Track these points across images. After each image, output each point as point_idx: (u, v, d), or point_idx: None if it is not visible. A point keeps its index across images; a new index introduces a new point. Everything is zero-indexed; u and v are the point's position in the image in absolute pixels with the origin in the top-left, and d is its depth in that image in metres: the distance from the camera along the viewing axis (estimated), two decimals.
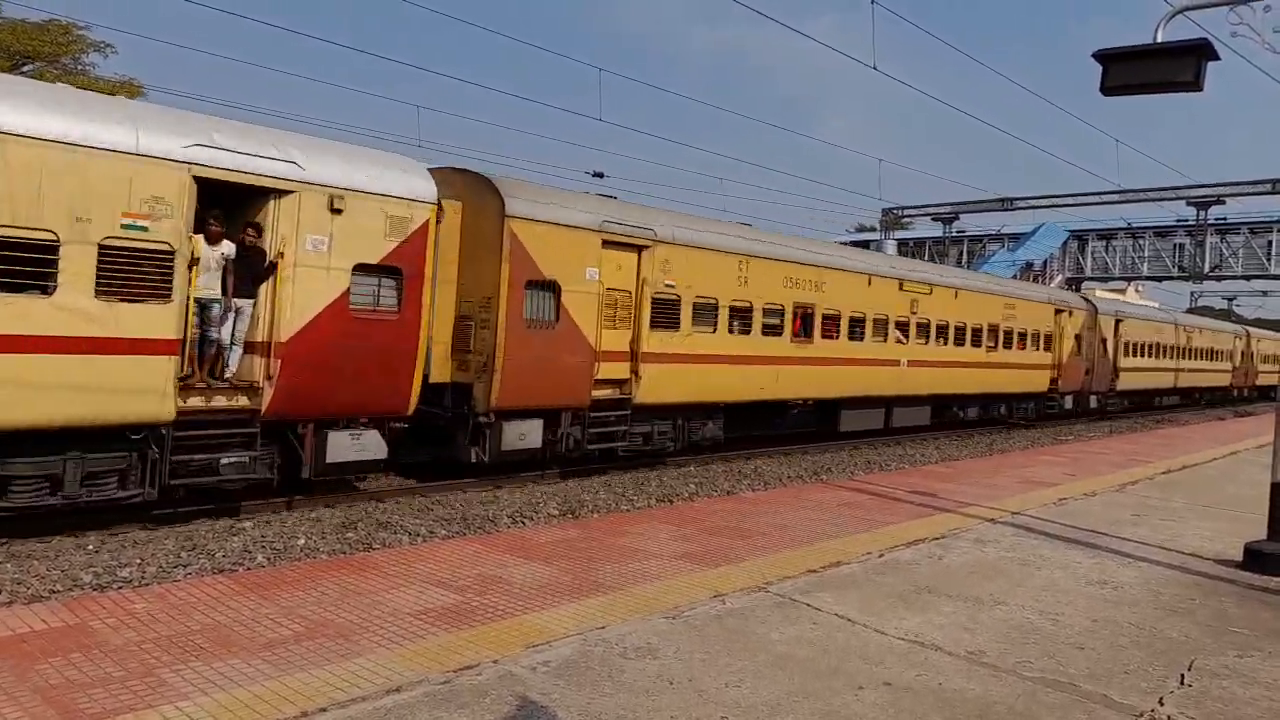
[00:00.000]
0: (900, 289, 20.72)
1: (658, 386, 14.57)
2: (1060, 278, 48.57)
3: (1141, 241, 48.84)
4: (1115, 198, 37.03)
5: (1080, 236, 50.27)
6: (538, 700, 4.43)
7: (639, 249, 14.20)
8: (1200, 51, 7.55)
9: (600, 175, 32.74)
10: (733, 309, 15.94)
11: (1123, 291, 52.00)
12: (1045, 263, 48.45)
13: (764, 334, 16.64)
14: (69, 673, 4.53)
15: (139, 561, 8.27)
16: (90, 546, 8.76)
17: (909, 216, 45.91)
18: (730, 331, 15.94)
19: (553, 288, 12.90)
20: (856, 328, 19.23)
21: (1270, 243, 44.25)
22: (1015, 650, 5.52)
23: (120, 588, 7.34)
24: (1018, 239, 49.07)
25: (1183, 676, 5.21)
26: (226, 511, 10.31)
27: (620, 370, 14.14)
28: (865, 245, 49.00)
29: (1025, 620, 6.17)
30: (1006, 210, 42.27)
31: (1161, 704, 4.78)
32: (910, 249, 52.84)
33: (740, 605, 6.20)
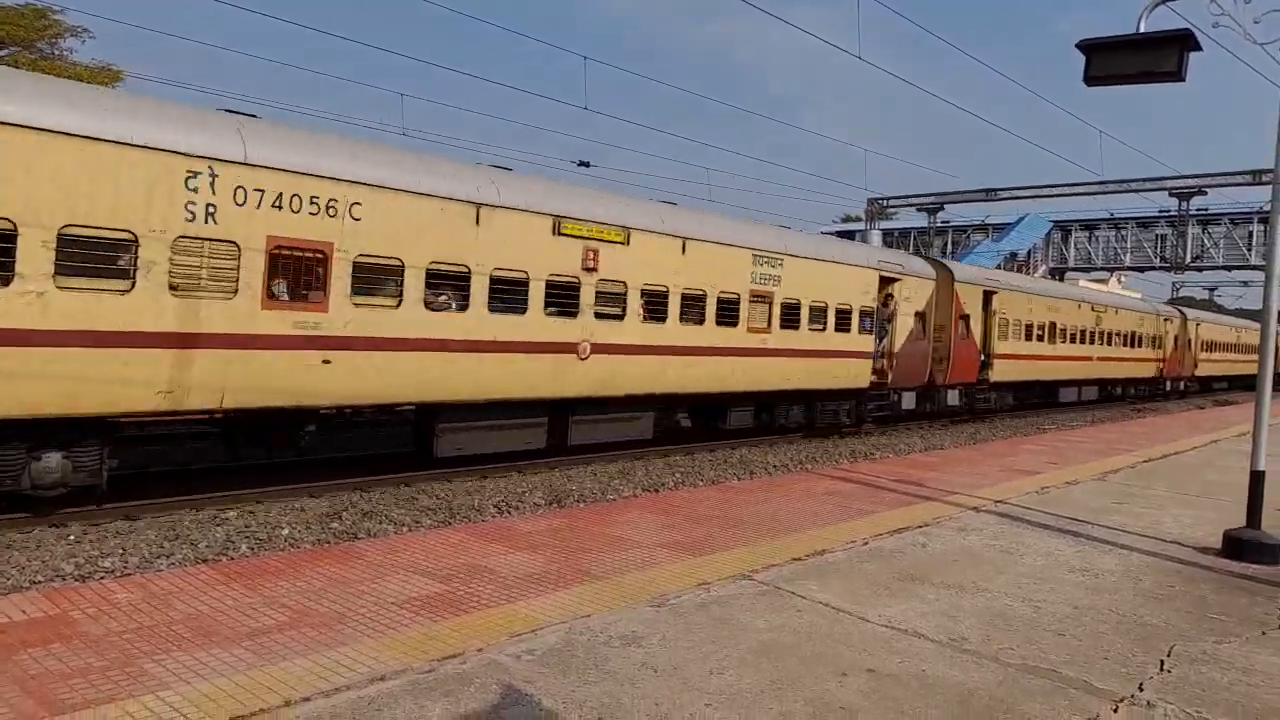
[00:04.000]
0: (1092, 309, 32.08)
1: (998, 372, 25.61)
2: (1043, 268, 48.84)
3: (1124, 232, 49.25)
4: (1098, 188, 37.33)
5: (1063, 227, 50.59)
6: (522, 688, 4.43)
7: (992, 293, 25.19)
8: (1183, 42, 7.59)
9: (586, 164, 32.29)
10: (1024, 325, 27.02)
11: (1105, 282, 52.35)
12: (1029, 253, 48.73)
13: (1037, 340, 27.82)
14: (49, 663, 4.50)
15: (121, 551, 8.22)
16: (72, 537, 8.70)
17: (894, 206, 45.94)
18: (1023, 339, 27.00)
19: (966, 319, 23.70)
20: (1074, 336, 30.34)
21: (1251, 233, 44.70)
22: (997, 637, 5.57)
23: (102, 578, 7.29)
24: (1001, 229, 49.29)
25: (1162, 662, 5.27)
26: (214, 501, 10.28)
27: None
28: (851, 235, 49.12)
29: (1007, 607, 6.22)
30: (990, 201, 42.43)
31: (1141, 689, 4.83)
32: (895, 239, 52.99)
33: (725, 593, 6.22)
